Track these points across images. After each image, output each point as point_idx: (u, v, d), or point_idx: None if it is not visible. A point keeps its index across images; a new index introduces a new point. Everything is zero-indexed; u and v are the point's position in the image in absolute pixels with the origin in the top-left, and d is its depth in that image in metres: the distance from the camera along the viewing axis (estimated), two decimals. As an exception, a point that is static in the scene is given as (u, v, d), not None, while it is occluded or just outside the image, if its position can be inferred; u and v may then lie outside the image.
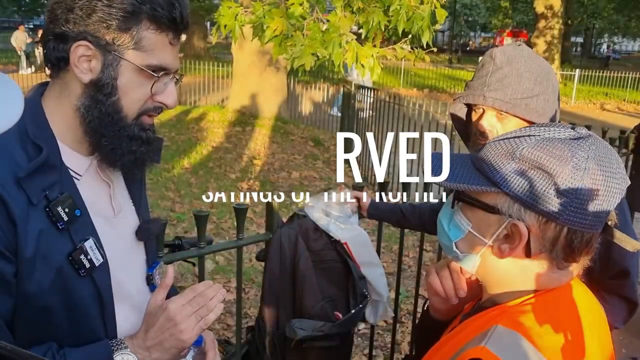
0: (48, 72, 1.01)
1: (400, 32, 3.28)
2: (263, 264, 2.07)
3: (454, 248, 0.94)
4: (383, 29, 3.28)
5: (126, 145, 1.00)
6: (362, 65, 3.17)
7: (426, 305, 1.20)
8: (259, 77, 9.90)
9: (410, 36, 3.36)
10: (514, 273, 0.90)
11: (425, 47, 3.34)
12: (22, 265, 0.91)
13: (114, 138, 0.99)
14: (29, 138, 0.94)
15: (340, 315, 2.01)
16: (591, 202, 0.82)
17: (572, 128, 0.86)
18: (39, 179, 0.93)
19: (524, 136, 0.86)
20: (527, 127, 0.90)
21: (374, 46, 3.32)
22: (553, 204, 0.82)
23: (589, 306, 0.94)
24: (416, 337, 1.33)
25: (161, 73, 0.99)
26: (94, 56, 0.95)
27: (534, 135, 0.85)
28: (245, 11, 3.19)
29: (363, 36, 3.42)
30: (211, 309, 1.04)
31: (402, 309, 3.77)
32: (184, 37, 1.05)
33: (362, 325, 3.41)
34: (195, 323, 1.02)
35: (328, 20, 3.12)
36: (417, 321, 2.63)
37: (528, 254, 0.86)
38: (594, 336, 0.90)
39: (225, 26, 3.15)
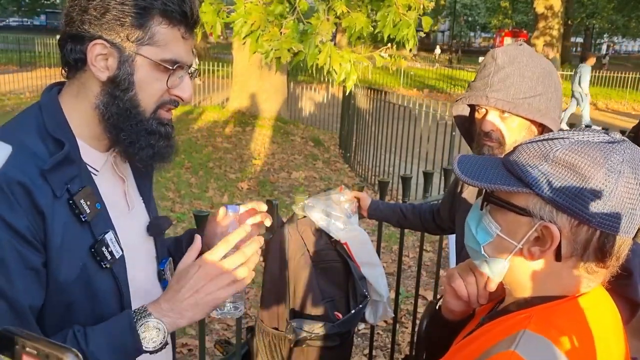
0: (64, 73, 1.03)
1: (385, 38, 3.27)
2: (263, 264, 2.06)
3: (482, 252, 0.93)
4: (366, 35, 3.27)
5: (144, 139, 1.02)
6: (335, 70, 3.15)
7: (438, 305, 1.18)
8: (259, 77, 9.90)
9: (394, 42, 3.35)
10: (542, 277, 0.88)
11: (409, 50, 3.36)
12: (52, 256, 0.92)
13: (132, 132, 1.01)
14: (49, 134, 0.96)
15: (340, 315, 2.01)
16: (624, 206, 0.81)
17: (606, 133, 0.85)
18: (61, 172, 0.94)
19: (557, 138, 0.85)
20: (560, 131, 0.89)
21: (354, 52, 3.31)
22: (586, 206, 0.80)
23: (612, 313, 0.92)
24: (425, 340, 1.31)
25: (175, 66, 1.01)
26: (110, 54, 0.97)
27: (568, 138, 0.84)
28: (228, 8, 3.20)
29: (347, 42, 3.45)
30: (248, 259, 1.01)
31: (402, 309, 3.77)
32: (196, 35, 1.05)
33: (362, 325, 3.41)
34: (234, 278, 0.99)
35: (310, 23, 3.11)
36: (417, 321, 2.63)
37: (558, 257, 0.85)
38: (618, 344, 0.89)
39: (206, 23, 3.14)
